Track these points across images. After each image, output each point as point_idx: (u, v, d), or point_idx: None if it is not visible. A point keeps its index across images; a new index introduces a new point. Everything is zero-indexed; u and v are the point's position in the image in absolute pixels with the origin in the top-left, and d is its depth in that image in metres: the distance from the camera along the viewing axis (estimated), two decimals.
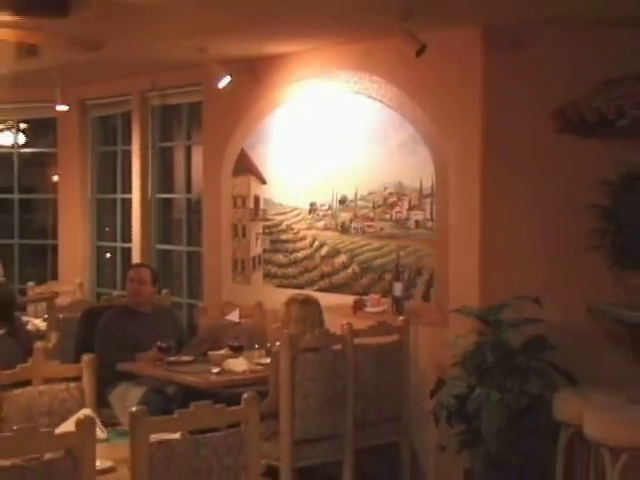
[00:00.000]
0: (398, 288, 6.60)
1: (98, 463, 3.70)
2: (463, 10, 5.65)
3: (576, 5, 5.41)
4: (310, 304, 6.31)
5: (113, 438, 4.43)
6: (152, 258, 9.03)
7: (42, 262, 10.24)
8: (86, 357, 5.00)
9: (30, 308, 8.51)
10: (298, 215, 7.43)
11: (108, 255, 9.98)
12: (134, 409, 3.87)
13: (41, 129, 10.23)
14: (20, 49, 6.07)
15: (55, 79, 8.53)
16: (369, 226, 6.87)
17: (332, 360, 5.94)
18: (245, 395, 4.02)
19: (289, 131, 7.52)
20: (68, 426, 4.02)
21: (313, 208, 7.30)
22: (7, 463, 3.46)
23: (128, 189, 9.37)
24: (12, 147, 10.29)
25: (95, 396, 4.93)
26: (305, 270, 7.36)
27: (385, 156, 6.73)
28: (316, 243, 7.28)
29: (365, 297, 6.82)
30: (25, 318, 7.73)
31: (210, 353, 6.56)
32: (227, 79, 7.33)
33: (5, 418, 4.57)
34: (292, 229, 7.49)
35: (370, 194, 6.84)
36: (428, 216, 6.45)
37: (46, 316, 7.52)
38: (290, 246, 7.51)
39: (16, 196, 10.25)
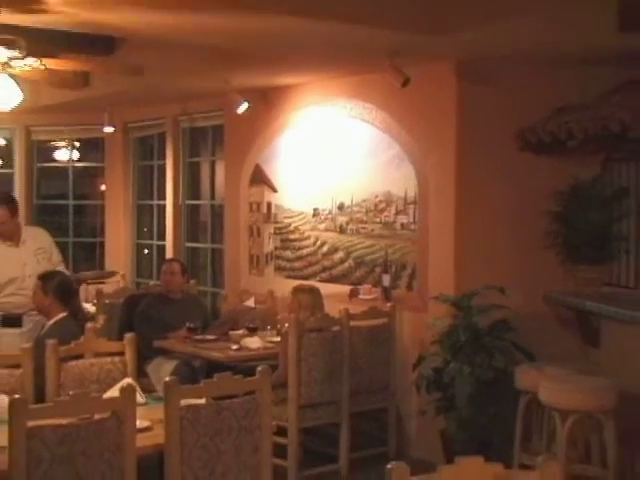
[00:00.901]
0: (386, 279, 6.62)
1: (138, 423, 3.74)
2: (440, 49, 5.65)
3: (533, 46, 5.43)
4: (314, 292, 6.31)
5: (150, 402, 4.44)
6: (182, 254, 9.03)
7: (92, 257, 10.24)
8: (128, 335, 5.03)
9: (82, 295, 8.52)
10: (303, 218, 7.43)
11: (146, 251, 9.98)
12: (167, 379, 3.91)
13: (91, 147, 10.22)
14: (75, 81, 6.08)
15: (103, 106, 8.56)
16: (362, 228, 6.86)
17: (331, 339, 5.95)
18: (259, 368, 4.05)
19: (296, 149, 7.53)
20: (113, 392, 4.04)
21: (316, 213, 7.30)
22: (64, 421, 3.51)
23: (162, 196, 9.37)
24: (67, 162, 10.28)
25: (135, 368, 4.96)
26: (309, 264, 7.36)
27: (376, 170, 6.73)
28: (318, 242, 7.28)
29: (359, 287, 6.82)
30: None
31: (230, 333, 6.57)
32: (245, 105, 7.34)
33: (62, 385, 4.61)
34: (298, 230, 7.50)
35: (363, 201, 6.84)
36: (411, 220, 6.45)
37: (95, 301, 7.53)
38: (297, 244, 7.51)
39: (71, 202, 10.25)
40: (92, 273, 8.72)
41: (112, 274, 8.80)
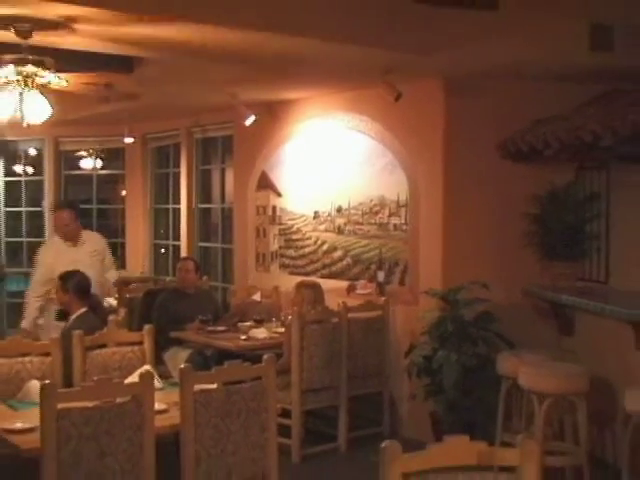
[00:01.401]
0: (381, 275, 6.62)
1: (156, 405, 3.76)
2: (429, 67, 5.66)
3: (513, 64, 5.44)
4: (315, 288, 6.33)
5: (167, 387, 4.46)
6: (195, 253, 9.04)
7: (114, 255, 10.22)
8: (147, 327, 5.05)
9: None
10: (305, 220, 7.43)
11: (163, 250, 9.98)
12: (182, 366, 3.94)
13: (113, 156, 10.23)
14: (98, 97, 6.11)
15: (124, 119, 8.57)
16: (359, 229, 6.87)
17: (331, 330, 5.96)
18: (265, 356, 4.08)
19: (299, 157, 7.52)
20: (134, 378, 4.08)
21: (316, 215, 7.30)
22: (90, 404, 3.55)
23: (177, 201, 9.37)
24: (92, 169, 10.28)
25: (153, 356, 4.99)
26: (310, 262, 7.36)
27: (371, 176, 6.73)
28: (319, 241, 7.28)
29: (356, 282, 6.83)
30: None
31: (239, 324, 6.58)
32: (252, 118, 7.31)
33: (87, 372, 4.64)
34: (301, 231, 7.50)
35: (360, 204, 6.84)
36: (403, 221, 6.46)
37: (117, 296, 7.54)
38: (299, 244, 7.51)
39: (94, 206, 10.25)
40: (137, 277, 8.71)
41: (155, 280, 8.77)
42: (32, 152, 10.42)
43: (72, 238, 6.48)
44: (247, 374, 4.06)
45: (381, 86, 5.74)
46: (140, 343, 4.94)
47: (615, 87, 5.73)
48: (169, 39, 4.70)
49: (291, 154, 7.61)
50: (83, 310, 5.28)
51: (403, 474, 2.30)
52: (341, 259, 7.04)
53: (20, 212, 10.31)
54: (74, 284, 5.34)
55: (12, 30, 4.44)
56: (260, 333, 6.28)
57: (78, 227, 6.57)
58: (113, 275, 6.80)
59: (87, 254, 6.46)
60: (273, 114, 7.68)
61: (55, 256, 6.42)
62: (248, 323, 6.57)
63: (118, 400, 3.64)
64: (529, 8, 4.37)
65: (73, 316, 5.30)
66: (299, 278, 6.94)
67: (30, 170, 10.42)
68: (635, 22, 4.26)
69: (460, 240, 6.13)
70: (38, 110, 4.98)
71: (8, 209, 10.31)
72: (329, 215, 7.17)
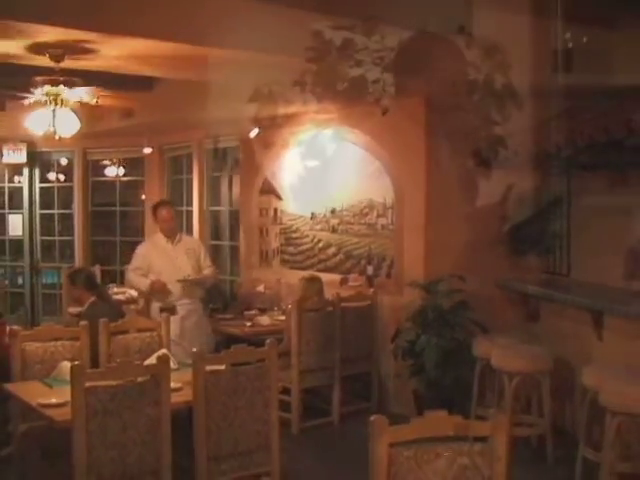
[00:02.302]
0: (370, 269, 6.61)
1: (172, 384, 3.76)
2: (413, 87, 5.66)
3: (485, 84, 5.44)
4: (316, 280, 6.33)
5: (181, 368, 4.43)
6: (206, 250, 9.01)
7: (133, 252, 10.22)
8: (163, 315, 5.06)
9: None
10: (303, 221, 7.40)
11: None
12: (195, 349, 3.96)
13: (134, 164, 10.20)
14: (121, 112, 6.11)
15: (143, 131, 8.56)
16: (350, 228, 6.85)
17: (326, 317, 5.96)
18: (268, 341, 4.09)
19: (297, 165, 7.50)
20: (152, 360, 4.07)
21: (313, 216, 7.27)
22: (114, 383, 3.55)
23: (190, 204, 9.34)
24: (115, 177, 10.27)
25: (169, 340, 4.97)
26: (308, 257, 7.33)
27: (361, 181, 6.72)
28: (315, 239, 7.25)
29: (348, 275, 6.81)
30: (122, 289, 7.75)
31: (245, 312, 6.60)
32: (256, 131, 7.32)
33: (112, 354, 4.65)
34: (299, 230, 7.47)
35: (351, 206, 6.82)
36: (390, 221, 6.44)
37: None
38: (298, 241, 7.48)
39: (117, 209, 10.23)
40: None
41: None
42: (63, 161, 10.41)
43: (171, 234, 6.35)
44: (252, 356, 4.07)
45: (370, 103, 5.72)
46: (157, 329, 4.94)
47: (574, 104, 5.72)
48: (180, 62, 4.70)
49: (291, 162, 7.59)
50: (93, 299, 5.32)
51: (389, 444, 2.31)
52: (335, 255, 7.03)
53: (53, 214, 10.31)
54: (81, 279, 5.39)
55: (47, 55, 4.45)
56: (263, 320, 6.29)
57: (176, 225, 6.50)
58: (208, 272, 6.50)
59: (183, 251, 6.35)
60: (275, 127, 7.65)
61: (152, 249, 6.36)
62: (253, 311, 6.58)
63: (139, 379, 3.65)
64: (500, 35, 4.38)
65: (85, 306, 5.35)
66: (298, 272, 6.93)
67: (62, 177, 10.42)
68: (590, 48, 4.27)
69: (439, 238, 6.11)
70: (69, 125, 5.00)
71: (43, 211, 10.31)
72: (324, 216, 7.15)
